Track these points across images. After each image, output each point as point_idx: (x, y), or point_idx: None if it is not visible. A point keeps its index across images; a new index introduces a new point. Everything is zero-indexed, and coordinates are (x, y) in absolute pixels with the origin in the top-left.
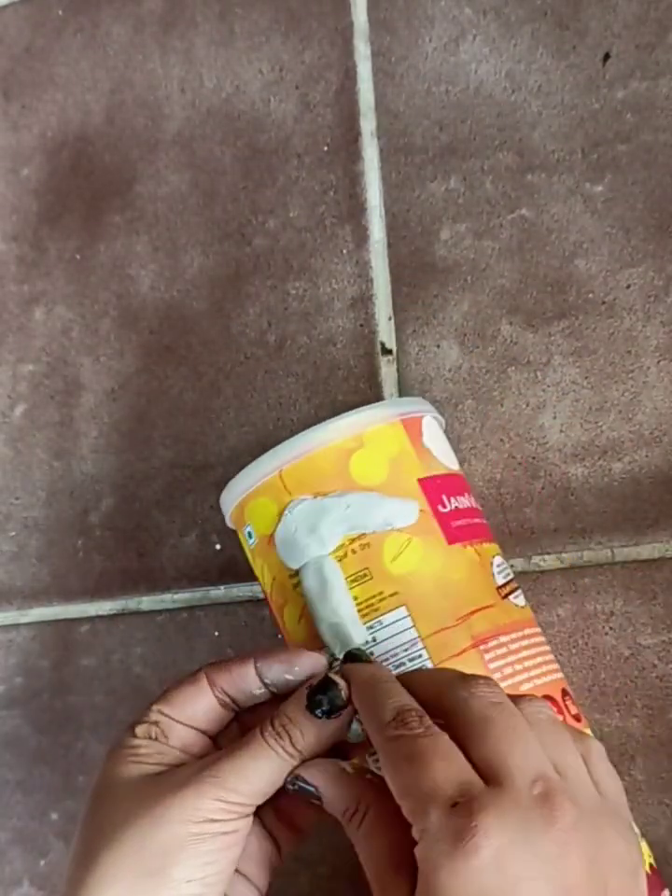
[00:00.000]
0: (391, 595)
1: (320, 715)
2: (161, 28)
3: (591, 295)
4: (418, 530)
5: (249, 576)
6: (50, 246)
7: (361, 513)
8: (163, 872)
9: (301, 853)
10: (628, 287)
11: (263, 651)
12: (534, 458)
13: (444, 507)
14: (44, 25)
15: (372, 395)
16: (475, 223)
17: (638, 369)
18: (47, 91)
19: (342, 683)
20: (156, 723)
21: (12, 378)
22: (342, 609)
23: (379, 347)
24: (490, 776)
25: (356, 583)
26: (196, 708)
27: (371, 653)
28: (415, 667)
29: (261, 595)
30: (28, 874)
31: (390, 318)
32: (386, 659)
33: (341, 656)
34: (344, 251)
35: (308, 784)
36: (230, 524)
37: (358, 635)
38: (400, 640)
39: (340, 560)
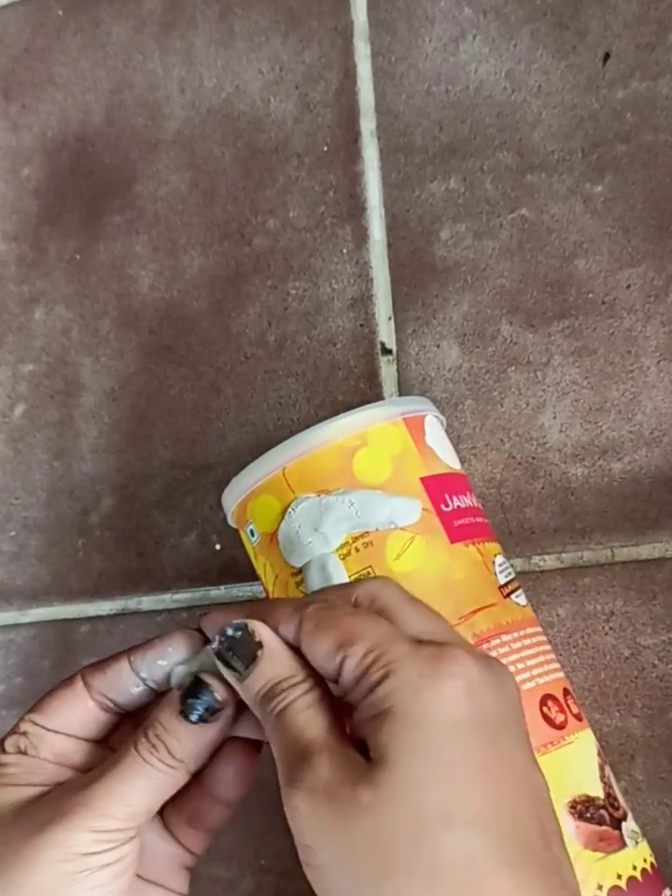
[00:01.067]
0: None
1: (196, 720)
2: (161, 28)
3: (591, 295)
4: (421, 529)
5: (250, 576)
6: (50, 246)
7: (365, 511)
8: None
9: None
10: (628, 287)
11: (137, 645)
12: (534, 458)
13: (447, 506)
14: (44, 25)
15: (372, 395)
16: (475, 223)
17: (638, 369)
18: (47, 91)
19: (214, 683)
20: (24, 734)
21: (12, 378)
22: None
23: (379, 347)
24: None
25: None
26: (71, 715)
27: None
28: None
29: (263, 595)
30: None
31: (390, 318)
32: None
33: None
34: (344, 251)
35: (250, 639)
36: (231, 522)
37: None
38: None
39: (343, 558)
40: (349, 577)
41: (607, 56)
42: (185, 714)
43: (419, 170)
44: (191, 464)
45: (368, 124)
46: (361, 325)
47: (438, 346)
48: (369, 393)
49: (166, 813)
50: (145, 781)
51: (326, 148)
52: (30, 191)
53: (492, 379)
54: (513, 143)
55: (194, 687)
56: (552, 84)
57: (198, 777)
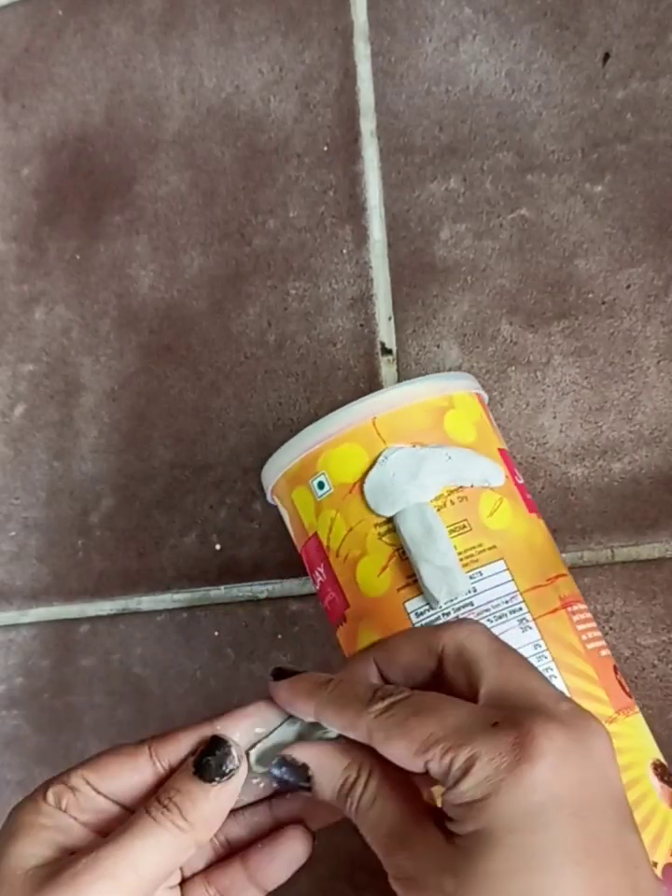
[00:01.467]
0: (490, 548)
1: (211, 780)
2: (161, 28)
3: (591, 295)
4: (506, 493)
5: (250, 576)
6: (50, 246)
7: (461, 466)
8: None
9: None
10: (628, 287)
11: (211, 716)
12: (534, 458)
13: (518, 479)
14: (44, 25)
15: None
16: (475, 223)
17: (638, 369)
18: (47, 91)
19: (231, 740)
20: (73, 790)
21: (12, 378)
22: (450, 553)
23: (379, 347)
24: (513, 702)
25: (455, 534)
26: (127, 782)
27: (471, 604)
28: (516, 619)
29: (273, 587)
30: None
31: (390, 318)
32: (487, 610)
33: (444, 601)
34: (344, 251)
35: (296, 764)
36: (272, 493)
37: (463, 581)
38: (501, 593)
39: (438, 509)
40: (447, 527)
41: (607, 56)
42: (200, 774)
43: (419, 170)
44: (191, 464)
45: (368, 124)
46: (361, 325)
47: (438, 346)
48: (369, 393)
49: (192, 883)
50: (154, 843)
51: (326, 148)
52: (30, 191)
53: (492, 379)
54: (513, 143)
55: (212, 745)
56: (552, 84)
57: (242, 855)
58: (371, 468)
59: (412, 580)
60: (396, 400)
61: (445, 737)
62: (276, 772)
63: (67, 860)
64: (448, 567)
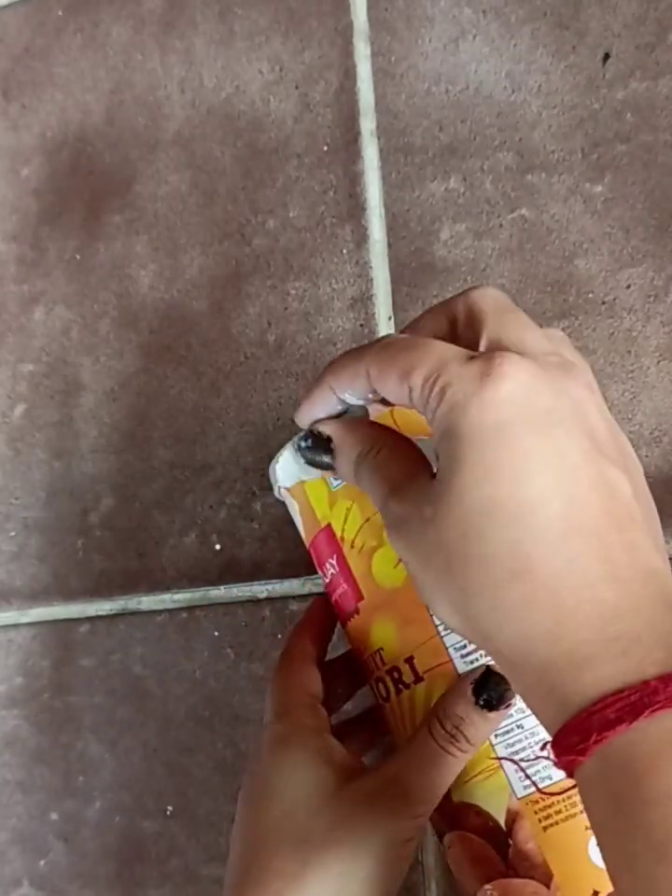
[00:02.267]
0: None
1: (494, 709)
2: (161, 28)
3: (591, 295)
4: None
5: (249, 576)
6: (50, 246)
7: None
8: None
9: None
10: (628, 287)
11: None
12: None
13: None
14: (44, 25)
15: None
16: (475, 223)
17: (638, 369)
18: (47, 91)
19: (503, 675)
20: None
21: (12, 378)
22: None
23: None
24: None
25: None
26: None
27: None
28: None
29: (273, 583)
30: (28, 874)
31: (390, 318)
32: None
33: None
34: (344, 251)
35: (321, 436)
36: (281, 483)
37: None
38: None
39: None
40: None
41: (607, 56)
42: (485, 705)
43: (419, 170)
44: (191, 464)
45: (368, 124)
46: (361, 325)
47: None
48: None
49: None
50: (448, 771)
51: (326, 148)
52: (30, 191)
53: None
54: (513, 143)
55: (485, 678)
56: (552, 84)
57: None
58: None
59: None
60: None
61: (427, 367)
62: (303, 444)
63: (368, 782)
64: None
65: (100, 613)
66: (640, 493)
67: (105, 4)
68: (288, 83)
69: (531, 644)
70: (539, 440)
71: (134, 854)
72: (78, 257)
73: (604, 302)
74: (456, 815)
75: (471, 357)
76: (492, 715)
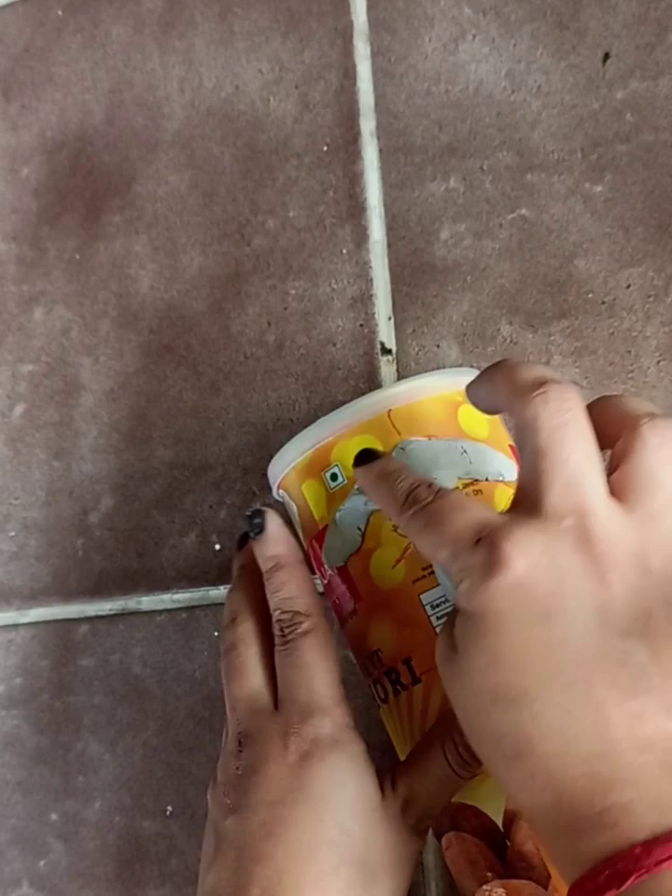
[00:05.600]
0: None
1: None
2: (160, 28)
3: (591, 295)
4: None
5: None
6: (50, 246)
7: (476, 460)
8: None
9: None
10: (628, 286)
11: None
12: None
13: None
14: (44, 25)
15: None
16: (475, 223)
17: (638, 369)
18: (46, 91)
19: None
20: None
21: (12, 378)
22: None
23: (379, 347)
24: (527, 503)
25: None
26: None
27: None
28: None
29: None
30: (27, 874)
31: (390, 318)
32: None
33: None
34: (344, 251)
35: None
36: (279, 487)
37: None
38: None
39: None
40: None
41: (606, 56)
42: None
43: (419, 170)
44: (191, 464)
45: (368, 124)
46: (361, 325)
47: (438, 346)
48: (368, 392)
49: None
50: (456, 789)
51: (326, 148)
52: (30, 191)
53: None
54: (513, 143)
55: None
56: (552, 84)
57: None
58: None
59: (427, 572)
60: (411, 394)
61: (445, 552)
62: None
63: (382, 782)
64: None
65: (100, 613)
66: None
67: (104, 4)
68: (288, 83)
69: (537, 814)
70: (538, 629)
71: (134, 854)
72: (78, 257)
73: (604, 302)
74: (455, 815)
75: (478, 541)
76: None
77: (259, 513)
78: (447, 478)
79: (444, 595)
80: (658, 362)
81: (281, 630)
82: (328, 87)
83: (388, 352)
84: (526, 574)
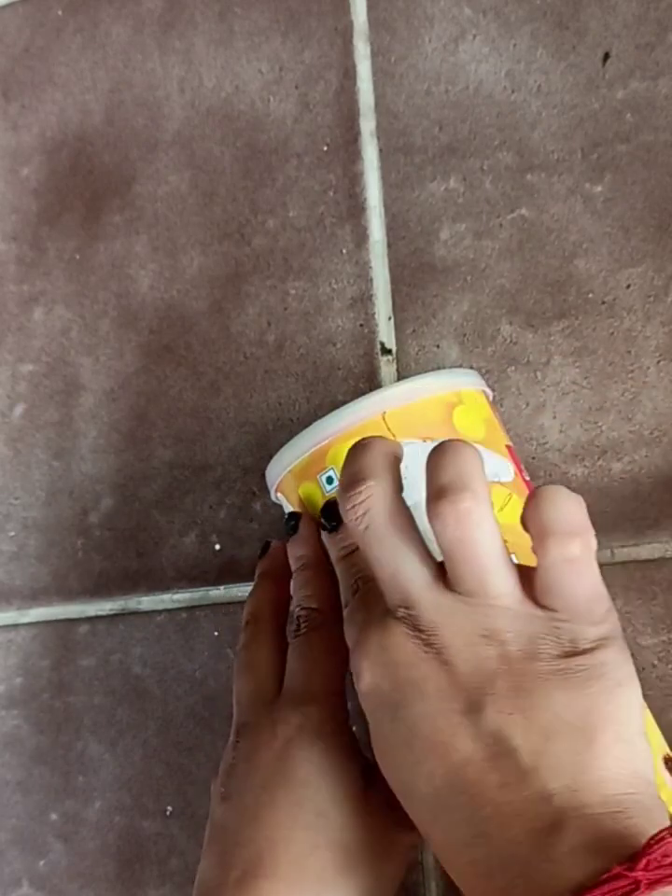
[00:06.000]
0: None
1: None
2: (160, 28)
3: (591, 295)
4: (515, 489)
5: (249, 576)
6: (50, 246)
7: None
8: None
9: None
10: (628, 286)
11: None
12: (534, 458)
13: (525, 475)
14: (44, 25)
15: None
16: (475, 223)
17: (638, 369)
18: (46, 91)
19: None
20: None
21: (12, 378)
22: None
23: (379, 347)
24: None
25: None
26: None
27: None
28: None
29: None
30: (27, 874)
31: (390, 318)
32: None
33: None
34: (344, 251)
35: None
36: (276, 490)
37: None
38: None
39: None
40: None
41: (606, 56)
42: None
43: (419, 170)
44: (191, 464)
45: (367, 124)
46: (361, 325)
47: (438, 346)
48: (369, 393)
49: None
50: None
51: (325, 148)
52: (29, 191)
53: (491, 379)
54: (513, 143)
55: None
56: (551, 84)
57: None
58: None
59: None
60: (406, 395)
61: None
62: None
63: (375, 770)
64: None
65: (100, 613)
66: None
67: (104, 4)
68: (288, 83)
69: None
70: (392, 725)
71: (134, 854)
72: (78, 257)
73: (604, 302)
74: None
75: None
76: None
77: (295, 516)
78: None
79: None
80: (658, 362)
81: (296, 623)
82: (328, 87)
83: (388, 352)
84: (372, 680)
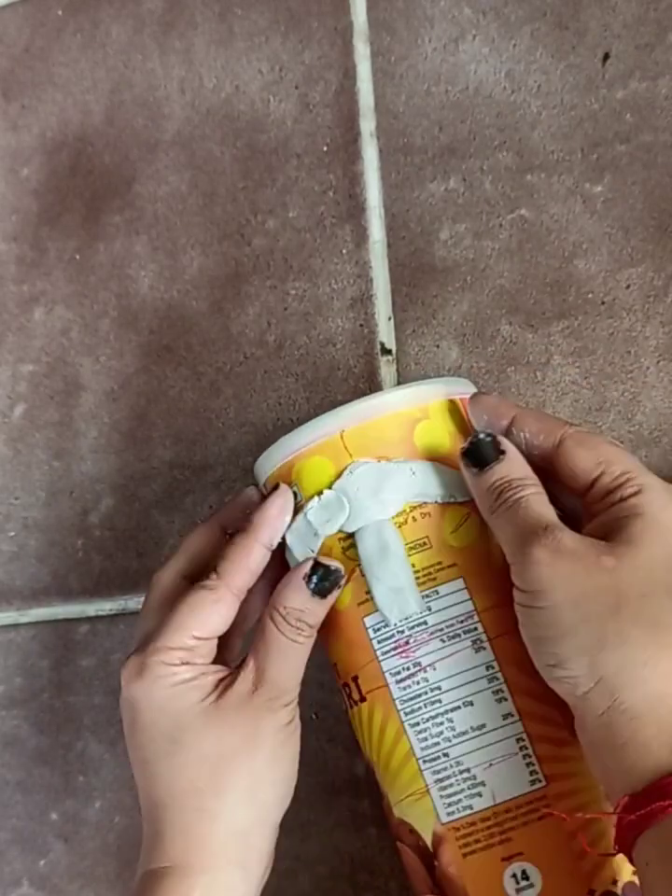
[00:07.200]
0: (449, 566)
1: (327, 595)
2: (160, 28)
3: (590, 295)
4: (473, 508)
5: None
6: (50, 246)
7: (425, 481)
8: (272, 790)
9: (300, 852)
10: (628, 287)
11: (253, 525)
12: None
13: None
14: (44, 25)
15: None
16: (475, 223)
17: (638, 369)
18: (46, 91)
19: (333, 563)
20: (191, 650)
21: (12, 378)
22: (402, 574)
23: (379, 347)
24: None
25: (414, 551)
26: (220, 623)
27: (425, 623)
28: (470, 639)
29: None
30: (27, 874)
31: (390, 318)
32: (440, 629)
33: (396, 620)
34: (344, 251)
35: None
36: (263, 489)
37: (417, 601)
38: (456, 612)
39: (399, 526)
40: (407, 545)
41: (606, 56)
42: (318, 592)
43: (419, 170)
44: (191, 464)
45: (367, 124)
46: (361, 325)
47: (437, 346)
48: (368, 393)
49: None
50: (299, 655)
51: (325, 148)
52: (30, 191)
53: (491, 379)
54: (513, 143)
55: (315, 569)
56: (551, 84)
57: None
58: (335, 482)
59: (370, 595)
60: (365, 413)
61: (625, 465)
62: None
63: (234, 684)
64: (400, 587)
65: (100, 613)
66: None
67: (104, 4)
68: (288, 83)
69: (661, 703)
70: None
71: (135, 854)
72: (78, 257)
73: (604, 302)
74: (397, 829)
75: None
76: (326, 600)
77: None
78: (393, 501)
79: (383, 620)
80: (658, 362)
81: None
82: (327, 87)
83: (388, 352)
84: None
